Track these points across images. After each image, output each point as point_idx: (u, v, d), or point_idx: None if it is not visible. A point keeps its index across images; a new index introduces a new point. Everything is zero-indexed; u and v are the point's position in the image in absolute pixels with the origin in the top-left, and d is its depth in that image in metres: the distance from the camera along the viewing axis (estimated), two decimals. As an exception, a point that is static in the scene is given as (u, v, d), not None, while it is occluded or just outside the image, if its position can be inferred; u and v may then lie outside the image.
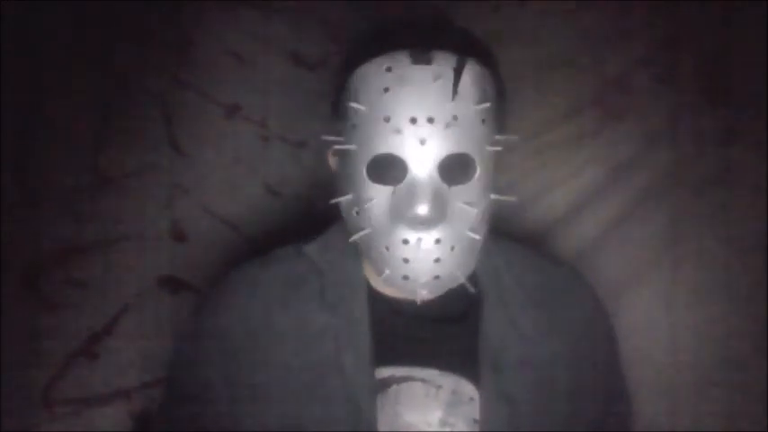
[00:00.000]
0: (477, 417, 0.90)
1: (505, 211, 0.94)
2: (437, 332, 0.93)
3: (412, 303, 0.91)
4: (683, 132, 1.34)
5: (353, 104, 0.85)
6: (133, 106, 1.32)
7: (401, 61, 0.84)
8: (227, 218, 1.36)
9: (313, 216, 1.06)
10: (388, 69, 0.84)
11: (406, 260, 0.85)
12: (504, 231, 1.10)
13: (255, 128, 1.36)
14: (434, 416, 0.90)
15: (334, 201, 0.91)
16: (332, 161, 0.96)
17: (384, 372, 0.91)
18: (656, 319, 1.32)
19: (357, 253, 0.96)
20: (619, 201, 1.35)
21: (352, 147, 0.86)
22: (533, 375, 0.93)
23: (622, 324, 1.16)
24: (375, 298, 0.95)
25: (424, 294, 0.88)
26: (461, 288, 0.92)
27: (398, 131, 0.83)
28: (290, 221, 1.08)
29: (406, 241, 0.85)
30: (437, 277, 0.86)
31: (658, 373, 1.30)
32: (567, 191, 1.36)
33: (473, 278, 0.94)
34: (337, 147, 0.88)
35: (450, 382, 0.91)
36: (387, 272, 0.87)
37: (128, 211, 1.32)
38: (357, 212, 0.88)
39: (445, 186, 0.85)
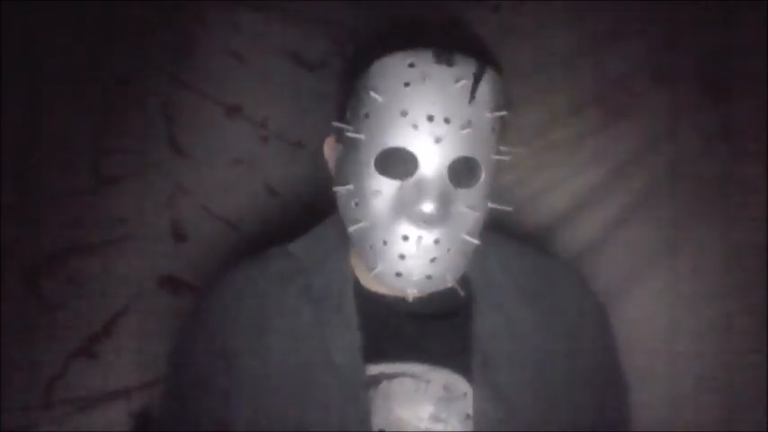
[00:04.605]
0: (471, 412, 0.91)
1: (505, 212, 0.94)
2: (427, 328, 0.94)
3: (401, 300, 0.92)
4: (684, 132, 1.34)
5: (372, 93, 0.85)
6: (133, 106, 1.32)
7: (424, 58, 0.84)
8: (227, 218, 1.35)
9: (313, 216, 1.06)
10: (411, 65, 0.84)
11: (402, 256, 0.86)
12: (503, 230, 1.10)
13: (255, 128, 1.36)
14: (425, 411, 0.90)
15: (335, 188, 0.91)
16: (330, 151, 0.96)
17: (374, 368, 0.91)
18: (656, 318, 1.32)
19: (345, 249, 0.97)
20: (619, 201, 1.35)
21: (361, 136, 0.86)
22: (527, 370, 0.94)
23: (622, 323, 1.17)
24: (363, 295, 0.96)
25: (413, 293, 0.88)
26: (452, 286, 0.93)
27: (414, 126, 0.84)
28: (290, 221, 1.08)
29: (406, 237, 0.85)
30: (429, 277, 0.87)
31: (658, 373, 1.30)
32: (567, 191, 1.36)
33: (464, 276, 0.95)
34: (348, 134, 0.88)
35: (440, 377, 0.91)
36: (379, 267, 0.87)
37: (128, 211, 1.31)
38: (356, 204, 0.88)
39: (452, 187, 0.85)
